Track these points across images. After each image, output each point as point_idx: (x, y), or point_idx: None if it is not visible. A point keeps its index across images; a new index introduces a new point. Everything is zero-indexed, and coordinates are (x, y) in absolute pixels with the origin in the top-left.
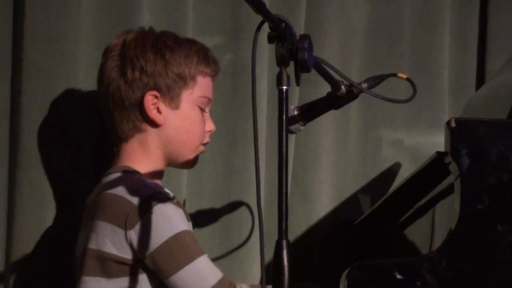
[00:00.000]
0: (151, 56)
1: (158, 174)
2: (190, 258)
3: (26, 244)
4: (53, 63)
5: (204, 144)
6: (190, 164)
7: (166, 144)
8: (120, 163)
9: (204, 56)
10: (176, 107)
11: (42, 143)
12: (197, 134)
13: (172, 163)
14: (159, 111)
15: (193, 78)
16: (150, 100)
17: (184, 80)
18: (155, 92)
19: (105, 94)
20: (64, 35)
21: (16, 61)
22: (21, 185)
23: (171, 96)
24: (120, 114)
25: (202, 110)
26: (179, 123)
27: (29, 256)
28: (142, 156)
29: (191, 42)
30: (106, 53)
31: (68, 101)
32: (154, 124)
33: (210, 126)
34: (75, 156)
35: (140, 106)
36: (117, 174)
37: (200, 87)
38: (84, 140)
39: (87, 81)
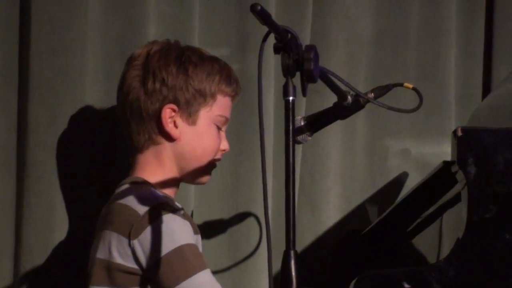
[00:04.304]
0: (173, 69)
1: (171, 185)
2: (189, 273)
3: (34, 256)
4: (59, 75)
5: (215, 161)
6: (203, 179)
7: (180, 158)
8: (133, 174)
9: (227, 76)
10: (193, 123)
11: (50, 155)
12: (211, 152)
13: (185, 178)
14: (175, 125)
15: (213, 96)
16: (168, 113)
17: (204, 97)
18: (173, 106)
19: (124, 102)
20: (70, 48)
21: (23, 74)
22: (29, 197)
23: (189, 111)
24: (136, 124)
25: (218, 128)
26: (194, 139)
27: (37, 268)
28: (156, 168)
29: (215, 60)
30: (129, 62)
31: (75, 113)
32: (169, 138)
33: (224, 145)
34: (83, 167)
35: (157, 118)
36: (128, 185)
37: (219, 106)
38: (92, 151)
39: (93, 93)
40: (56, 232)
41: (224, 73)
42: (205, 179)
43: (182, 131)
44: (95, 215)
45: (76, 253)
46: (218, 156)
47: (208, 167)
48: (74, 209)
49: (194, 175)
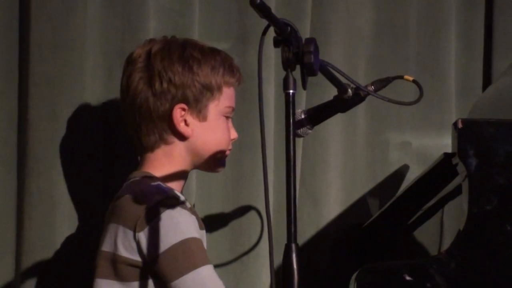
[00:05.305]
0: (179, 68)
1: (180, 180)
2: (193, 266)
3: (35, 252)
4: (59, 72)
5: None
6: (218, 169)
7: (194, 154)
8: (142, 169)
9: (229, 66)
10: (204, 119)
11: (50, 151)
12: (224, 145)
13: (199, 168)
14: (186, 124)
15: (220, 89)
16: (179, 113)
17: (211, 91)
18: (183, 105)
19: (131, 106)
20: (70, 44)
21: (23, 71)
22: (30, 194)
23: (198, 108)
24: (146, 126)
25: (226, 118)
26: (207, 135)
27: (39, 264)
28: (166, 164)
29: (216, 52)
30: (131, 64)
31: (75, 109)
32: (181, 137)
33: (233, 134)
34: (83, 164)
35: (168, 119)
36: (136, 179)
37: (226, 98)
38: (92, 147)
39: (93, 90)
40: (57, 228)
41: (227, 64)
42: (220, 169)
43: (193, 129)
44: (96, 211)
45: (77, 249)
46: (230, 147)
47: (222, 158)
48: (75, 205)
49: (207, 167)
